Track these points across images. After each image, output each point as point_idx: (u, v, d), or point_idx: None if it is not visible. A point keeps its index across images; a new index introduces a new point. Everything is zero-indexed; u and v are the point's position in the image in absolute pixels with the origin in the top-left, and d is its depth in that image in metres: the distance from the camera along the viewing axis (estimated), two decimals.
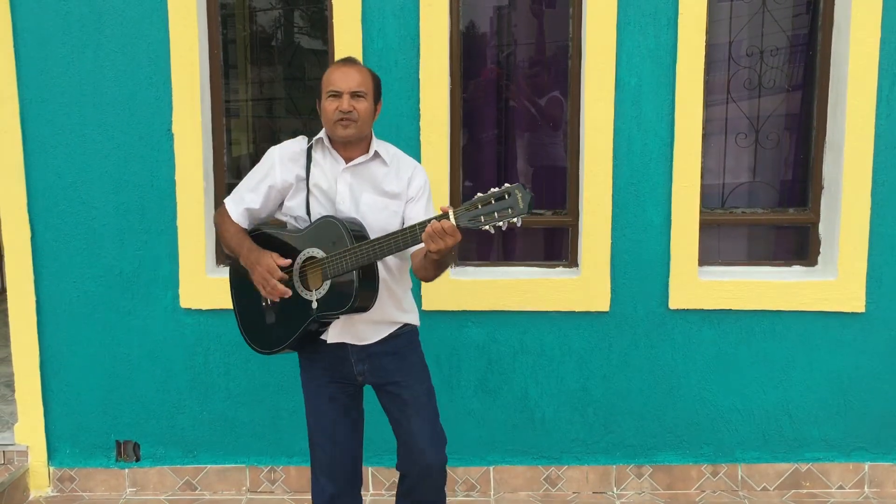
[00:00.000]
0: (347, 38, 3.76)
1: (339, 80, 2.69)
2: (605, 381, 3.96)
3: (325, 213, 2.72)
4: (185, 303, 3.91)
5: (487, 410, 3.98)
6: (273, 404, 3.99)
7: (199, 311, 3.92)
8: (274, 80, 4.34)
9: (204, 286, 3.90)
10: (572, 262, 3.99)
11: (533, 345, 3.94)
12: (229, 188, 4.02)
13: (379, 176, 2.77)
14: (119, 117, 3.82)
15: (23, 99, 3.80)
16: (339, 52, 3.78)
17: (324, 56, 3.98)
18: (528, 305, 3.88)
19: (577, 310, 3.90)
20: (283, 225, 2.88)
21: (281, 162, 2.78)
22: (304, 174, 2.76)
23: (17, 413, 4.05)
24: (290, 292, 2.70)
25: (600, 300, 3.89)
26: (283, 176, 2.77)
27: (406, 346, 2.90)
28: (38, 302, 3.92)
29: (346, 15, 3.75)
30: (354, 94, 2.68)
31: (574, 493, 4.03)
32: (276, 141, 4.23)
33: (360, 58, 3.75)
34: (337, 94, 2.68)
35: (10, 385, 4.51)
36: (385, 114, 3.77)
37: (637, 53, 3.76)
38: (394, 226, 2.74)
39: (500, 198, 2.38)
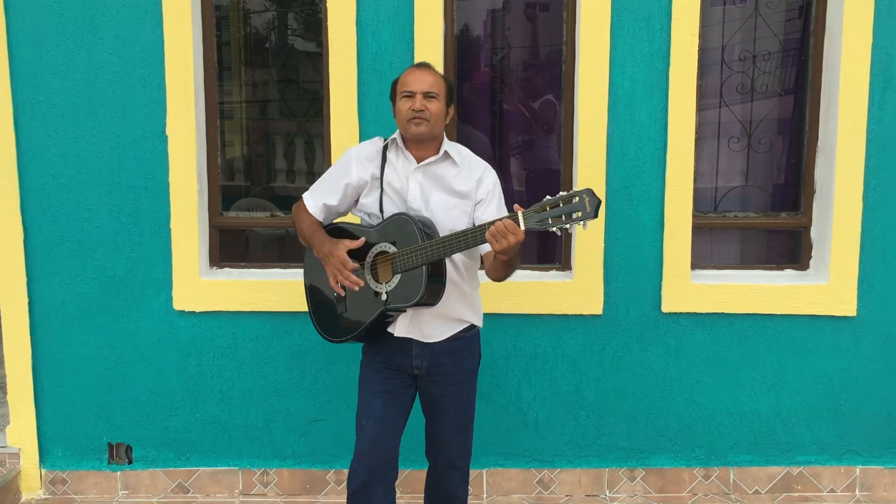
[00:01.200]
0: (342, 40, 3.77)
1: (412, 81, 2.82)
2: (598, 384, 3.97)
3: (397, 211, 2.84)
4: (178, 305, 3.91)
5: (480, 413, 3.95)
6: (266, 407, 3.99)
7: (193, 313, 3.92)
8: (268, 82, 4.34)
9: (197, 288, 3.90)
10: (565, 265, 4.00)
11: (526, 347, 3.95)
12: (223, 190, 4.05)
13: (449, 176, 2.88)
14: (113, 119, 3.82)
15: (16, 100, 3.79)
16: (334, 55, 3.78)
17: (318, 58, 3.98)
18: (522, 308, 3.89)
19: (570, 313, 3.90)
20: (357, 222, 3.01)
21: (357, 161, 2.91)
22: (378, 173, 2.89)
23: (8, 415, 4.04)
24: (361, 282, 2.82)
25: (593, 303, 3.90)
26: (358, 174, 2.90)
27: (466, 350, 3.00)
28: (30, 304, 3.91)
29: (341, 17, 3.76)
30: (427, 95, 2.80)
31: (567, 496, 4.03)
32: (270, 143, 4.25)
33: (353, 61, 3.76)
34: (410, 95, 2.80)
35: (2, 387, 4.51)
36: (380, 117, 3.79)
37: (630, 57, 3.77)
38: (462, 225, 2.82)
39: (567, 201, 2.46)
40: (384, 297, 2.80)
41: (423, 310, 2.85)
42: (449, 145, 2.91)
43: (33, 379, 3.95)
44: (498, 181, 2.93)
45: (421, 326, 2.90)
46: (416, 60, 3.74)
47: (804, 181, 3.98)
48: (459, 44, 3.98)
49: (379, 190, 2.89)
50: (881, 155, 3.81)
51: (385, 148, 2.91)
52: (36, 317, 3.92)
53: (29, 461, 4.00)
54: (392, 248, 2.79)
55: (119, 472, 4.03)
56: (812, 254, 3.99)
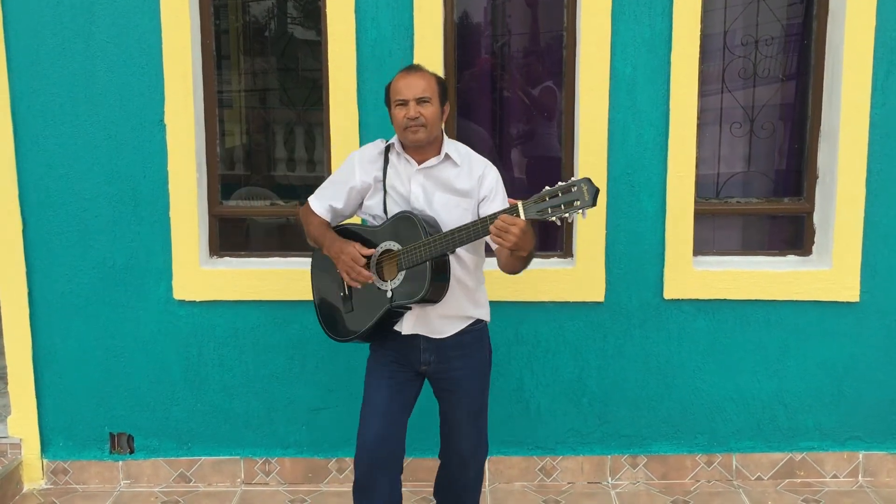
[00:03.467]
0: (341, 28, 3.74)
1: (403, 88, 2.83)
2: (600, 371, 3.96)
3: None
4: (178, 294, 3.90)
5: None
6: (268, 396, 3.99)
7: (193, 302, 3.91)
8: (267, 70, 4.31)
9: (197, 278, 3.89)
10: (567, 252, 3.98)
11: (528, 335, 3.94)
12: (222, 179, 4.04)
13: (451, 176, 2.90)
14: (111, 108, 3.80)
15: (13, 90, 3.78)
16: (333, 42, 3.76)
17: (317, 46, 3.96)
18: (523, 296, 3.88)
19: (572, 300, 3.90)
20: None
21: (360, 165, 2.95)
22: (381, 175, 2.93)
23: (10, 405, 4.03)
24: (373, 277, 2.85)
25: (595, 290, 3.88)
26: (362, 178, 2.94)
27: (474, 343, 3.02)
28: (30, 294, 3.91)
29: (340, 4, 3.73)
30: (420, 100, 2.81)
31: (569, 483, 4.03)
32: (270, 132, 4.23)
33: (352, 48, 3.74)
34: (403, 103, 2.82)
35: (2, 377, 4.50)
36: (379, 104, 3.76)
37: (632, 43, 3.75)
38: (467, 222, 2.80)
39: (566, 190, 2.49)
40: (389, 294, 2.83)
41: (429, 308, 2.88)
42: (448, 145, 2.93)
43: (34, 369, 3.95)
44: (499, 177, 2.95)
45: (427, 323, 2.92)
46: (416, 46, 3.73)
47: (807, 166, 3.96)
48: (459, 30, 3.96)
49: (382, 192, 2.93)
50: (884, 140, 3.79)
51: (387, 150, 2.95)
52: (36, 307, 3.92)
53: (30, 451, 4.00)
54: (396, 246, 2.82)
55: (120, 462, 4.04)
56: (815, 239, 3.98)
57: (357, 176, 2.95)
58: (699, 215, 3.92)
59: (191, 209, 3.85)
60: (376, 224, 2.94)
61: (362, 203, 3.00)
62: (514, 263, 2.76)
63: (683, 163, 3.81)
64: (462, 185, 2.89)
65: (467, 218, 2.85)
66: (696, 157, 3.85)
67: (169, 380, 3.98)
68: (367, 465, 2.92)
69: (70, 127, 3.81)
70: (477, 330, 3.03)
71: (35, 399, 3.97)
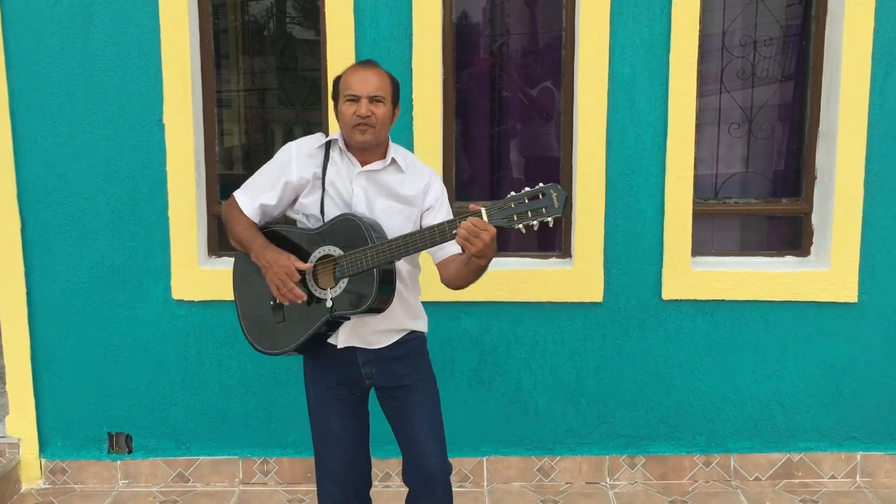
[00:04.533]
0: (340, 27, 3.74)
1: (356, 83, 2.61)
2: (599, 371, 3.96)
3: (339, 213, 2.66)
4: (177, 294, 3.90)
5: (481, 401, 3.98)
6: (266, 396, 3.98)
7: (192, 302, 3.91)
8: (266, 70, 4.31)
9: (196, 278, 3.89)
10: (565, 252, 3.98)
11: (526, 335, 3.94)
12: (221, 179, 4.03)
13: (394, 182, 2.70)
14: (109, 107, 3.80)
15: (12, 89, 3.77)
16: (332, 42, 3.76)
17: (316, 46, 3.96)
18: (522, 296, 3.88)
19: (570, 300, 3.89)
20: (292, 223, 2.81)
21: (298, 158, 2.71)
22: (320, 172, 2.69)
23: (8, 405, 4.03)
24: (305, 296, 2.62)
25: (593, 291, 3.88)
26: (299, 172, 2.69)
27: (415, 351, 2.82)
28: (28, 294, 3.90)
29: (339, 4, 3.73)
30: (373, 99, 2.61)
31: (567, 483, 4.03)
32: (269, 131, 4.22)
33: (351, 48, 3.74)
34: (355, 99, 2.61)
35: (1, 377, 4.50)
36: None
37: (630, 43, 3.75)
38: (407, 231, 2.60)
39: (533, 197, 2.33)
40: (329, 303, 2.59)
41: (367, 318, 2.66)
42: (394, 150, 2.73)
43: (32, 369, 3.95)
44: (444, 188, 2.78)
45: (363, 335, 2.71)
46: (415, 46, 3.73)
47: (805, 167, 3.97)
48: (458, 30, 3.96)
49: (321, 190, 2.68)
50: (883, 140, 3.80)
51: (328, 145, 2.72)
52: (34, 307, 3.91)
53: (29, 451, 4.00)
54: (337, 251, 2.58)
55: (119, 462, 4.03)
56: (813, 240, 3.98)
57: (294, 170, 2.69)
58: (698, 216, 3.92)
59: (189, 209, 3.85)
60: (310, 226, 2.70)
61: (295, 200, 2.73)
62: (469, 275, 2.55)
63: (682, 163, 3.81)
64: (406, 191, 2.69)
65: (408, 226, 2.66)
66: (695, 158, 3.85)
67: (167, 379, 3.98)
68: (337, 498, 2.79)
69: (68, 126, 3.80)
70: (414, 339, 2.81)
71: (33, 398, 3.97)
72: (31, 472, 4.02)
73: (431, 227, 2.46)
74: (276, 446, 4.02)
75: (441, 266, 2.68)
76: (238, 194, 2.78)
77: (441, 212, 2.71)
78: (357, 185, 2.68)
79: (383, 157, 2.71)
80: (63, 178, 3.83)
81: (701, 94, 3.90)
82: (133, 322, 3.93)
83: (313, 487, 4.01)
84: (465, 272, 2.57)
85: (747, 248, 4.14)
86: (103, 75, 3.78)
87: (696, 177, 3.88)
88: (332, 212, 2.66)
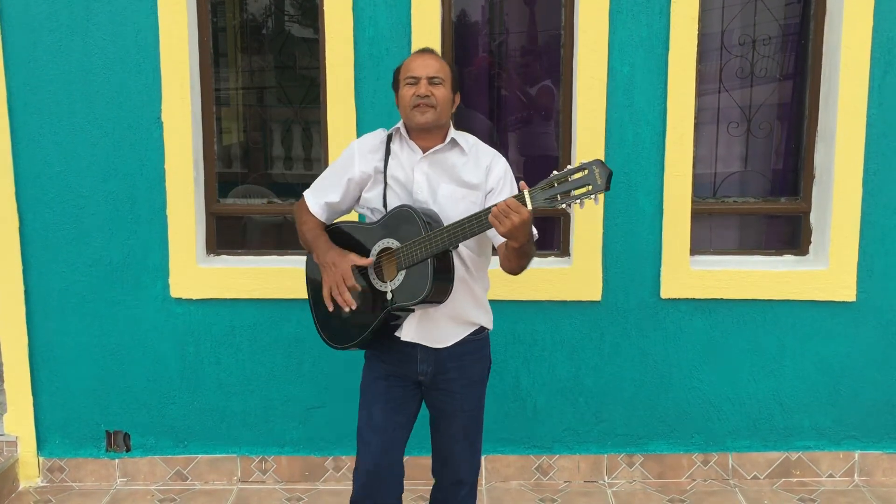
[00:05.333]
0: (338, 26, 3.74)
1: (417, 66, 2.68)
2: (597, 370, 3.96)
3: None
4: (175, 292, 3.89)
5: None
6: (264, 394, 3.98)
7: (190, 300, 3.91)
8: (264, 68, 4.31)
9: (194, 276, 3.88)
10: (564, 251, 3.98)
11: (525, 334, 3.94)
12: (220, 177, 4.03)
13: (457, 165, 2.71)
14: (108, 105, 3.79)
15: (10, 87, 3.77)
16: (331, 40, 3.76)
17: (315, 44, 3.96)
18: (520, 295, 3.88)
19: (568, 299, 3.89)
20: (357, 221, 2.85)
21: (360, 154, 2.76)
22: (381, 166, 2.74)
23: (6, 403, 4.03)
24: (355, 304, 2.68)
25: (592, 290, 3.89)
26: (361, 168, 2.75)
27: (475, 354, 2.83)
28: (26, 292, 3.90)
29: (338, 3, 3.73)
30: (432, 80, 2.66)
31: (565, 481, 4.04)
32: (267, 130, 4.22)
33: (350, 46, 3.73)
34: (414, 81, 2.66)
35: None
36: (377, 102, 3.76)
37: (629, 42, 3.75)
38: (469, 214, 2.59)
39: (577, 174, 2.31)
40: (389, 295, 2.63)
41: (431, 310, 2.69)
42: (456, 133, 2.76)
43: (30, 367, 3.94)
44: (509, 168, 2.77)
45: (430, 329, 2.73)
46: (414, 45, 3.72)
47: (804, 166, 3.97)
48: (457, 29, 3.96)
49: (382, 184, 2.73)
50: (881, 140, 3.80)
51: (389, 139, 2.76)
52: (32, 304, 3.91)
53: (27, 449, 4.00)
54: (395, 244, 2.63)
55: (117, 460, 4.03)
56: (811, 239, 3.98)
57: (356, 166, 2.75)
58: (696, 214, 3.92)
59: (188, 207, 3.84)
60: (374, 219, 2.75)
61: (360, 196, 2.80)
62: (511, 257, 2.56)
63: (681, 162, 3.81)
64: (469, 176, 2.70)
65: (473, 211, 2.62)
66: (694, 157, 3.85)
67: (165, 378, 3.97)
68: (368, 490, 2.79)
69: (67, 124, 3.80)
70: (479, 339, 2.84)
71: (31, 397, 3.97)
72: (29, 471, 4.01)
73: (479, 213, 2.47)
74: (275, 445, 4.02)
75: (498, 250, 2.67)
76: (306, 193, 2.86)
77: (503, 194, 2.68)
78: (419, 171, 2.70)
79: (444, 140, 2.73)
80: (61, 176, 3.83)
81: (700, 93, 3.90)
82: (131, 320, 3.93)
83: (312, 486, 4.01)
84: (506, 254, 2.58)
85: (746, 247, 4.14)
86: (102, 73, 3.77)
87: (694, 176, 3.88)
88: (394, 204, 2.70)
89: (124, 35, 3.75)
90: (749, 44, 4.04)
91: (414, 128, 2.71)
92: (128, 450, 4.03)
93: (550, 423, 4.01)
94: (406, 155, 2.74)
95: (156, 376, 3.97)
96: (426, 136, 2.72)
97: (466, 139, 2.78)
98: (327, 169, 2.87)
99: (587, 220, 3.83)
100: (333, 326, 2.82)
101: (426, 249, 2.54)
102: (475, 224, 2.47)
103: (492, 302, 3.88)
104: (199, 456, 4.03)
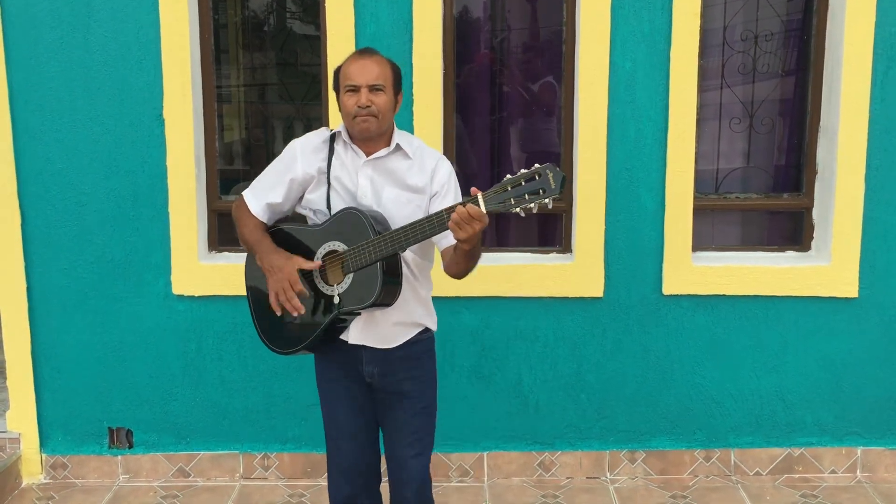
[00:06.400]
0: (340, 22, 3.73)
1: (355, 73, 2.58)
2: (599, 366, 3.96)
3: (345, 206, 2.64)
4: (177, 289, 3.89)
5: (481, 396, 3.98)
6: (266, 391, 3.99)
7: (192, 297, 3.91)
8: (266, 65, 4.31)
9: (196, 273, 3.89)
10: (566, 247, 3.98)
11: (527, 331, 3.94)
12: (221, 174, 4.03)
13: (401, 169, 2.67)
14: (109, 102, 3.79)
15: (12, 84, 3.77)
16: (332, 37, 3.75)
17: (316, 41, 3.95)
18: (522, 291, 3.88)
19: (570, 295, 3.89)
20: (301, 219, 2.79)
21: (303, 154, 2.69)
22: (325, 167, 2.68)
23: (8, 400, 4.03)
24: (303, 309, 2.63)
25: (594, 286, 3.88)
26: (304, 168, 2.68)
27: (423, 352, 2.79)
28: (28, 289, 3.90)
29: None
30: (373, 88, 2.57)
31: (567, 478, 4.04)
32: (269, 127, 4.21)
33: (351, 43, 3.73)
34: (355, 89, 2.58)
35: (1, 372, 4.50)
36: None
37: (631, 38, 3.74)
38: (420, 218, 2.56)
39: (530, 178, 2.31)
40: (336, 299, 2.58)
41: (378, 312, 2.64)
42: (400, 136, 2.69)
43: (33, 364, 3.95)
44: (453, 171, 2.72)
45: (376, 331, 2.69)
46: (415, 42, 3.72)
47: (806, 162, 3.96)
48: (458, 25, 3.95)
49: (326, 185, 2.66)
50: (884, 136, 3.79)
51: (332, 139, 2.70)
52: (34, 301, 3.91)
53: (29, 446, 4.00)
54: (342, 247, 2.57)
55: (120, 457, 4.04)
56: (814, 235, 3.97)
57: (299, 167, 2.67)
58: (698, 211, 3.92)
59: (190, 204, 3.85)
60: (318, 221, 2.68)
61: (303, 196, 2.73)
62: (460, 261, 2.53)
63: (683, 158, 3.80)
64: (414, 180, 2.65)
65: (418, 215, 2.59)
66: (696, 153, 3.85)
67: (168, 375, 3.98)
68: (347, 491, 2.80)
69: (68, 121, 3.80)
70: (425, 340, 2.78)
71: (34, 394, 3.97)
72: (32, 467, 4.02)
73: (430, 217, 2.45)
74: (277, 441, 4.02)
75: (443, 254, 2.66)
76: (246, 194, 2.77)
77: (448, 197, 2.66)
78: (363, 175, 2.65)
79: (388, 144, 2.68)
80: (63, 173, 3.83)
81: (702, 89, 3.90)
82: (133, 317, 3.93)
83: (314, 482, 4.01)
84: (455, 258, 2.56)
85: (748, 243, 4.14)
86: (103, 70, 3.77)
87: (696, 172, 3.87)
88: (338, 206, 2.65)
89: (126, 32, 3.75)
90: (751, 39, 4.03)
91: (356, 136, 2.65)
92: (130, 446, 4.04)
93: (552, 420, 4.01)
94: (350, 158, 2.68)
95: (158, 373, 3.97)
96: (369, 141, 2.66)
97: (411, 142, 2.72)
98: (267, 168, 2.77)
99: (589, 216, 3.83)
100: (277, 332, 2.74)
101: (375, 253, 2.50)
102: (426, 228, 2.45)
103: (493, 298, 3.90)
104: (202, 452, 4.04)
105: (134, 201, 3.85)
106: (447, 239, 2.58)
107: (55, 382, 3.98)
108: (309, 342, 2.68)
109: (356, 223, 2.55)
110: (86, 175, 3.83)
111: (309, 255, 2.64)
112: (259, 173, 2.81)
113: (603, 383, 3.98)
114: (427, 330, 2.80)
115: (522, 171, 2.33)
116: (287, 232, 2.72)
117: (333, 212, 2.64)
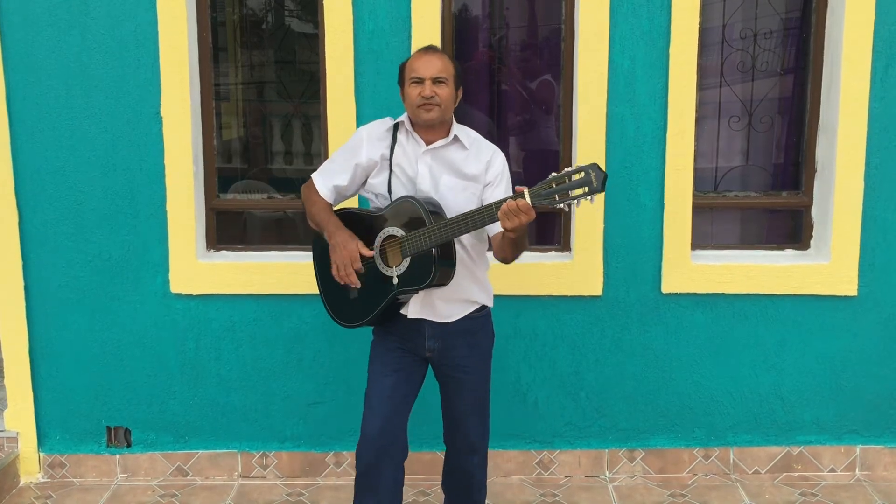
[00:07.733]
0: (338, 20, 3.73)
1: (420, 66, 2.80)
2: (598, 365, 3.96)
3: (404, 193, 2.84)
4: (175, 288, 3.89)
5: None
6: (265, 389, 3.98)
7: (190, 296, 3.90)
8: (264, 63, 4.30)
9: (194, 271, 3.88)
10: (565, 246, 3.98)
11: (526, 329, 3.93)
12: (219, 172, 4.02)
13: (458, 159, 2.88)
14: (107, 100, 3.78)
15: (9, 82, 3.76)
16: (330, 35, 3.74)
17: (314, 39, 3.94)
18: (521, 289, 3.87)
19: (569, 294, 3.89)
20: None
21: (369, 140, 2.91)
22: (388, 153, 2.89)
23: (6, 399, 4.03)
24: (359, 284, 2.85)
25: (593, 284, 3.88)
26: (368, 154, 2.90)
27: (480, 331, 3.01)
28: (26, 287, 3.89)
29: None
30: (436, 80, 2.79)
31: (566, 477, 4.03)
32: (267, 125, 4.21)
33: (350, 40, 3.72)
34: (419, 81, 2.79)
35: None
36: (377, 97, 3.75)
37: (630, 36, 3.74)
38: (471, 207, 2.79)
39: (574, 176, 2.47)
40: (395, 280, 2.80)
41: (435, 291, 2.86)
42: (458, 129, 2.91)
43: (30, 362, 3.94)
44: (506, 164, 2.93)
45: (434, 307, 2.90)
46: (414, 39, 3.71)
47: (805, 160, 3.96)
48: (457, 23, 3.95)
49: (388, 171, 2.89)
50: (883, 134, 3.79)
51: (395, 128, 2.91)
52: (32, 300, 3.91)
53: (27, 445, 4.00)
54: (400, 232, 2.79)
55: (118, 456, 4.03)
56: (813, 233, 3.97)
57: (364, 152, 2.91)
58: (697, 209, 3.92)
59: (188, 202, 3.84)
60: (379, 205, 2.92)
61: (366, 181, 2.96)
62: (506, 247, 2.73)
63: (682, 156, 3.80)
64: (470, 169, 2.87)
65: (473, 202, 2.84)
66: (695, 151, 3.84)
67: (166, 373, 3.97)
68: (372, 453, 2.91)
69: (66, 119, 3.79)
70: (482, 316, 3.01)
71: (32, 392, 3.97)
72: (30, 466, 4.01)
73: (481, 209, 2.64)
74: (275, 440, 4.02)
75: (493, 240, 2.85)
76: (315, 176, 3.00)
77: (500, 188, 2.87)
78: (422, 163, 2.87)
79: (447, 135, 2.89)
80: (61, 171, 3.82)
81: (701, 87, 3.89)
82: (131, 315, 3.92)
83: (312, 481, 4.01)
84: (502, 245, 2.76)
85: (747, 241, 4.14)
86: (101, 68, 3.76)
87: (695, 170, 3.87)
88: (398, 191, 2.87)
89: (123, 30, 3.74)
90: (750, 37, 4.02)
91: (419, 124, 2.86)
92: (128, 445, 4.03)
93: (551, 418, 4.00)
94: (411, 146, 2.89)
95: (156, 372, 3.97)
96: (430, 130, 2.87)
97: (468, 134, 2.93)
98: (335, 153, 3.00)
99: (588, 214, 3.82)
100: (342, 306, 2.98)
101: (431, 240, 2.71)
102: (477, 219, 2.64)
103: (494, 296, 3.88)
104: (200, 451, 4.03)
105: (132, 199, 3.84)
106: (496, 226, 2.74)
107: (53, 381, 3.97)
108: (371, 318, 2.92)
109: (412, 211, 2.77)
110: (83, 173, 3.82)
111: (370, 237, 2.86)
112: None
113: (602, 382, 3.97)
114: (483, 307, 3.01)
115: (567, 168, 2.50)
116: (351, 213, 2.98)
117: (394, 196, 2.86)
